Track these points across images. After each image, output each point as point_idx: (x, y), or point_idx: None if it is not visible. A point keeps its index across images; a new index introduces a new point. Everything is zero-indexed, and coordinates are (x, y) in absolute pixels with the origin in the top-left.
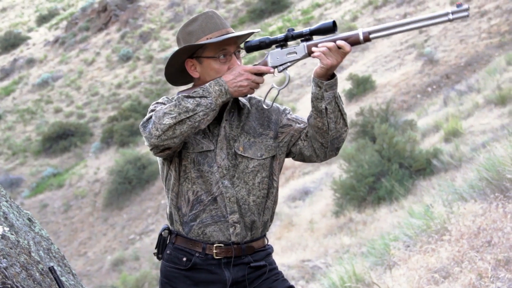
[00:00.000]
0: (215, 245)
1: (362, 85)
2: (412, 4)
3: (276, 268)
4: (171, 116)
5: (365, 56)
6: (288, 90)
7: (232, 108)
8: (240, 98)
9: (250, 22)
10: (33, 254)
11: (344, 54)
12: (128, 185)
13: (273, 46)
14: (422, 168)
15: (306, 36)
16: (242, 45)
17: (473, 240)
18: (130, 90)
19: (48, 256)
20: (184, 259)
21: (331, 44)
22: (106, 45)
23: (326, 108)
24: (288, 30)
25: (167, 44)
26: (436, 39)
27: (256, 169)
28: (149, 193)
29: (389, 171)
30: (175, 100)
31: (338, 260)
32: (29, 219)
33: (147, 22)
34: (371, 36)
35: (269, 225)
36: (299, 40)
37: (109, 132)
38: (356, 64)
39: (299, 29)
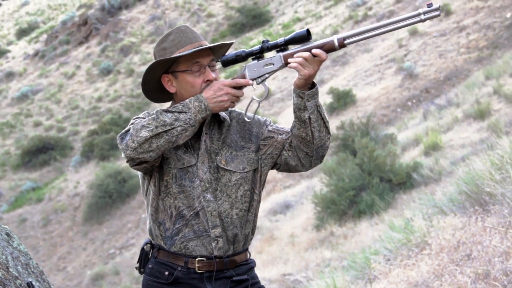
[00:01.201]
0: (197, 259)
1: (343, 99)
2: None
3: (258, 282)
4: (148, 129)
5: (345, 70)
6: (269, 104)
7: (211, 121)
8: (220, 112)
9: (231, 36)
10: (11, 270)
11: (320, 62)
12: (108, 199)
13: (250, 58)
14: (403, 181)
15: (282, 46)
16: (222, 57)
17: (453, 254)
18: (111, 103)
19: (27, 271)
20: (166, 273)
21: (306, 54)
22: (86, 59)
23: (309, 118)
24: (263, 42)
25: (148, 58)
26: (416, 54)
27: (238, 182)
28: (130, 207)
29: (370, 184)
30: (153, 114)
31: (319, 274)
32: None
33: (128, 35)
34: (345, 41)
35: (251, 239)
36: (275, 51)
37: (89, 146)
38: (337, 78)
39: None
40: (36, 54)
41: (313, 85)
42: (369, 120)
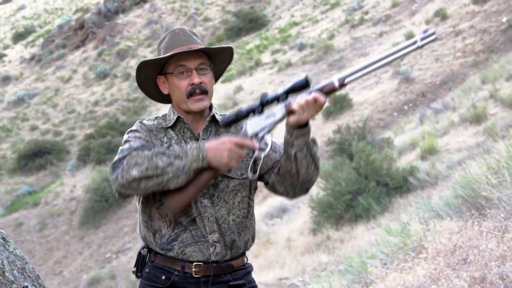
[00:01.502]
0: (194, 264)
1: (339, 103)
2: (388, 23)
3: (255, 286)
4: (140, 169)
5: None
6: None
7: (208, 126)
8: (218, 117)
9: (228, 40)
10: (7, 274)
11: (321, 106)
12: (104, 203)
13: (250, 114)
14: (399, 185)
15: (282, 97)
16: (222, 120)
17: (449, 258)
18: (107, 107)
19: (23, 276)
20: (163, 277)
21: (309, 97)
22: (83, 63)
23: (295, 154)
24: (262, 97)
25: None
26: (412, 58)
27: (236, 188)
28: (126, 211)
29: (366, 188)
30: (151, 152)
31: (316, 278)
32: (3, 238)
33: (124, 39)
34: (346, 81)
35: (250, 245)
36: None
37: (86, 150)
38: None
39: (276, 47)
40: (32, 58)
41: (306, 124)
42: (366, 124)
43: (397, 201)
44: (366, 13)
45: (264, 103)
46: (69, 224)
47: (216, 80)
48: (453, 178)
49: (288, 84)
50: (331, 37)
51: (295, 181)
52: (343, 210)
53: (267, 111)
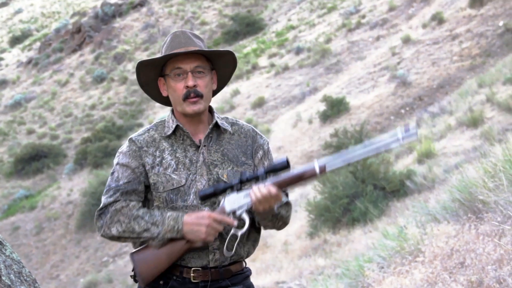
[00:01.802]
0: (192, 269)
1: (336, 107)
2: (385, 27)
3: None
4: (119, 229)
5: (339, 78)
6: (263, 112)
7: (210, 132)
8: (221, 122)
9: (225, 43)
10: (3, 278)
11: (277, 201)
12: None
13: (228, 190)
14: (396, 189)
15: (261, 178)
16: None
17: (446, 262)
18: (104, 111)
19: (19, 280)
20: (161, 282)
21: (265, 191)
22: (80, 66)
23: (260, 222)
24: (241, 174)
25: None
26: (409, 62)
27: None
28: None
29: (363, 192)
30: (132, 212)
31: (313, 281)
32: (0, 242)
33: (121, 43)
34: (327, 168)
35: (252, 251)
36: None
37: (83, 154)
38: (330, 86)
39: (273, 51)
40: (29, 61)
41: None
42: (363, 127)
43: (394, 204)
44: (363, 17)
45: (244, 181)
46: (66, 227)
47: (223, 85)
48: (450, 181)
49: (269, 165)
50: (328, 40)
51: (268, 227)
52: (340, 214)
53: (245, 190)
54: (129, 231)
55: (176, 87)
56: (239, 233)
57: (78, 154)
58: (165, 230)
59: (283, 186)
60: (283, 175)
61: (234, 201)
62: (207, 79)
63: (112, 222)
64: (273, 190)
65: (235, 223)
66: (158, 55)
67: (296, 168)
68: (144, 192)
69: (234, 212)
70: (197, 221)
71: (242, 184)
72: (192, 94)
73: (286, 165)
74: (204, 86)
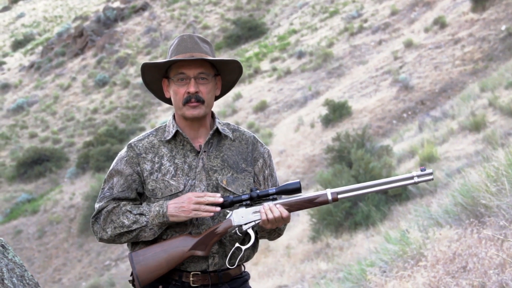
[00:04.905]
0: (192, 273)
1: (338, 111)
2: (387, 31)
3: None
4: (111, 228)
5: (341, 82)
6: (265, 116)
7: (211, 138)
8: (222, 128)
9: (227, 48)
10: (6, 282)
11: (286, 222)
12: None
13: (237, 205)
14: (398, 193)
15: (272, 196)
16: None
17: (448, 266)
18: (106, 115)
19: (22, 283)
20: (160, 287)
21: (277, 213)
22: (82, 70)
23: (258, 233)
24: (252, 190)
25: None
26: (411, 66)
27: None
28: None
29: (366, 196)
30: (121, 208)
31: (315, 285)
32: (2, 246)
33: (123, 47)
34: (339, 196)
35: (252, 256)
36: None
37: (85, 157)
38: (333, 90)
39: (275, 55)
40: (31, 65)
41: None
42: (365, 131)
43: (396, 209)
44: (365, 21)
45: (254, 197)
46: (68, 231)
47: (226, 91)
48: (453, 186)
49: (281, 186)
50: (330, 45)
51: (263, 237)
52: (343, 218)
53: (255, 206)
54: (120, 226)
55: (178, 91)
56: (244, 248)
57: (80, 158)
58: (151, 217)
59: (294, 209)
60: (295, 198)
61: (242, 216)
62: (210, 85)
63: (106, 223)
64: (285, 213)
65: (220, 200)
66: (161, 58)
67: (308, 193)
68: (139, 199)
69: (240, 226)
70: (180, 200)
71: (251, 200)
72: (193, 99)
73: (298, 188)
74: (206, 93)
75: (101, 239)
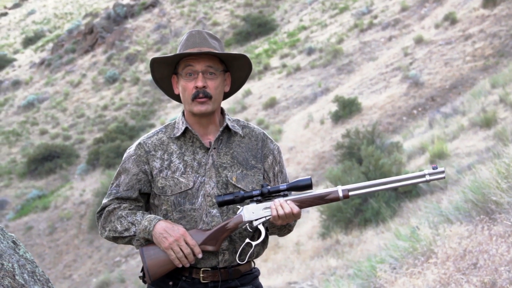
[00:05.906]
0: (202, 269)
1: (348, 107)
2: (397, 27)
3: None
4: (108, 229)
5: (351, 78)
6: (275, 112)
7: (221, 135)
8: (231, 125)
9: (237, 44)
10: (17, 277)
11: (297, 219)
12: None
13: (248, 200)
14: (408, 190)
15: (283, 192)
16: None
17: (459, 263)
18: (116, 112)
19: (33, 279)
20: (171, 283)
21: (288, 209)
22: (92, 67)
23: (269, 230)
24: (263, 186)
25: None
26: (421, 62)
27: (247, 201)
28: None
29: (376, 193)
30: (117, 213)
31: (325, 282)
32: (14, 242)
33: (133, 44)
34: (350, 193)
35: (262, 252)
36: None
37: (95, 154)
38: (342, 86)
39: (285, 51)
40: (42, 62)
41: None
42: (375, 128)
43: (406, 205)
44: (375, 17)
45: (265, 193)
46: (78, 228)
47: (237, 88)
48: (463, 182)
49: (292, 182)
50: (340, 41)
51: (273, 233)
52: (353, 214)
53: (266, 202)
54: (113, 230)
55: (186, 86)
56: (254, 243)
57: (90, 155)
58: (139, 230)
59: (305, 205)
60: (306, 194)
61: (252, 212)
62: (218, 80)
63: (105, 223)
64: (296, 209)
65: (200, 255)
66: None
67: (319, 189)
68: (146, 198)
69: (251, 222)
70: (168, 231)
71: (262, 196)
72: (200, 95)
73: (309, 185)
74: (214, 88)
75: (102, 236)
